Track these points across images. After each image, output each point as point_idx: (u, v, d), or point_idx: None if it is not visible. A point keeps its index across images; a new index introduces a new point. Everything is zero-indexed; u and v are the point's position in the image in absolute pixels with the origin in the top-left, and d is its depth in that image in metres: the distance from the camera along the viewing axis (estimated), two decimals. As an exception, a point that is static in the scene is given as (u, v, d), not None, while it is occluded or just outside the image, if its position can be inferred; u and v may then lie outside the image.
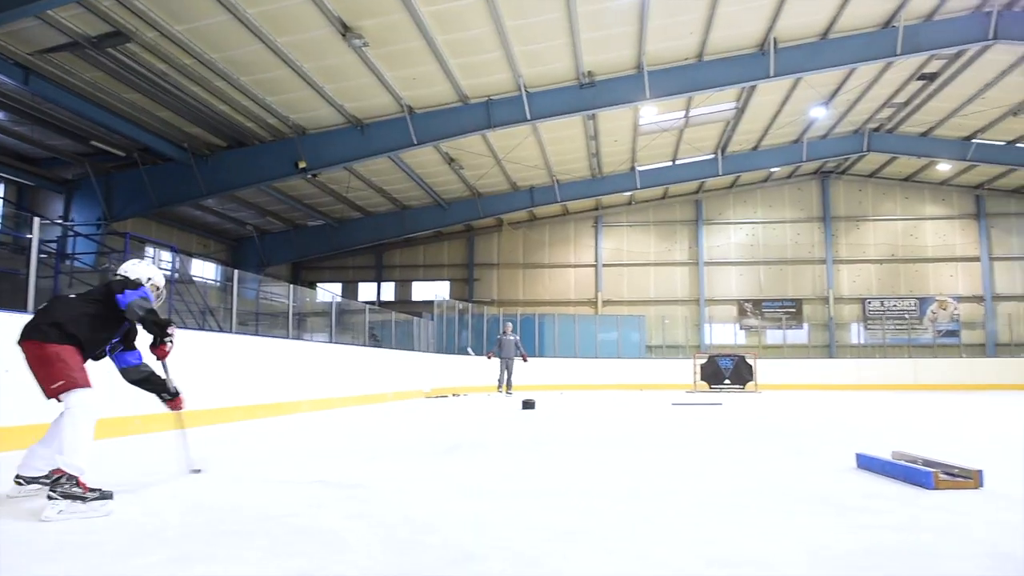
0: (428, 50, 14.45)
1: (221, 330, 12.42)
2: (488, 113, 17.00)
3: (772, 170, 27.07)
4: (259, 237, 26.60)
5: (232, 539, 3.10)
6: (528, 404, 12.75)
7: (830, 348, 28.20)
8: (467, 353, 21.46)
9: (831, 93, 20.40)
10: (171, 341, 4.18)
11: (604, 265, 29.85)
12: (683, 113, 20.45)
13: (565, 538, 3.13)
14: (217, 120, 16.47)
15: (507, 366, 17.77)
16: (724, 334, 28.91)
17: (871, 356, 26.94)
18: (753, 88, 19.04)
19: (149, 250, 18.23)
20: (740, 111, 20.94)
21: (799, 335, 28.74)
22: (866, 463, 4.94)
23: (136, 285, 4.03)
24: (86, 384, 3.66)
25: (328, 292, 17.34)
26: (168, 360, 4.39)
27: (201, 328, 12.83)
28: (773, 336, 28.79)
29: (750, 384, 21.47)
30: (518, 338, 18.04)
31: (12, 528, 3.29)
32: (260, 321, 16.63)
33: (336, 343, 14.77)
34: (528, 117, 16.94)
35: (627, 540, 3.11)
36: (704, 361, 22.08)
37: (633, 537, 3.17)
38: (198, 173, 17.91)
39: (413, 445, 6.98)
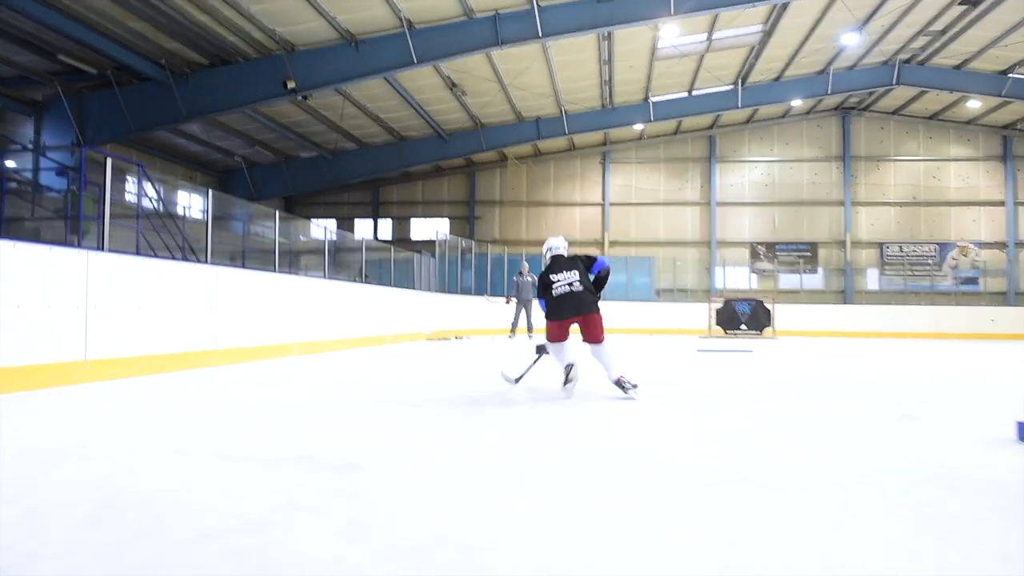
0: (432, -48, 12.83)
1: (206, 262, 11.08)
2: (496, 29, 15.36)
3: (791, 104, 25.34)
4: (248, 169, 25.05)
5: None
6: (542, 349, 11.57)
7: (846, 294, 27.08)
8: (485, 298, 20.19)
9: (866, 16, 18.74)
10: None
11: (611, 204, 28.39)
12: (706, 36, 18.79)
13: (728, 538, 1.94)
14: (197, 33, 14.82)
15: (526, 308, 16.65)
16: (736, 278, 27.60)
17: (888, 303, 25.88)
18: (784, 8, 17.40)
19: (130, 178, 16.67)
20: (767, 35, 19.27)
21: (814, 280, 27.57)
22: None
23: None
24: None
25: (322, 228, 16.10)
26: None
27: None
28: (787, 281, 27.60)
29: (768, 330, 20.43)
30: (536, 279, 16.85)
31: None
32: (248, 257, 15.30)
33: (331, 279, 13.50)
34: (540, 34, 15.33)
35: (810, 537, 1.92)
36: (720, 305, 20.97)
37: (814, 534, 1.98)
38: (178, 94, 16.33)
39: (429, 398, 5.81)
